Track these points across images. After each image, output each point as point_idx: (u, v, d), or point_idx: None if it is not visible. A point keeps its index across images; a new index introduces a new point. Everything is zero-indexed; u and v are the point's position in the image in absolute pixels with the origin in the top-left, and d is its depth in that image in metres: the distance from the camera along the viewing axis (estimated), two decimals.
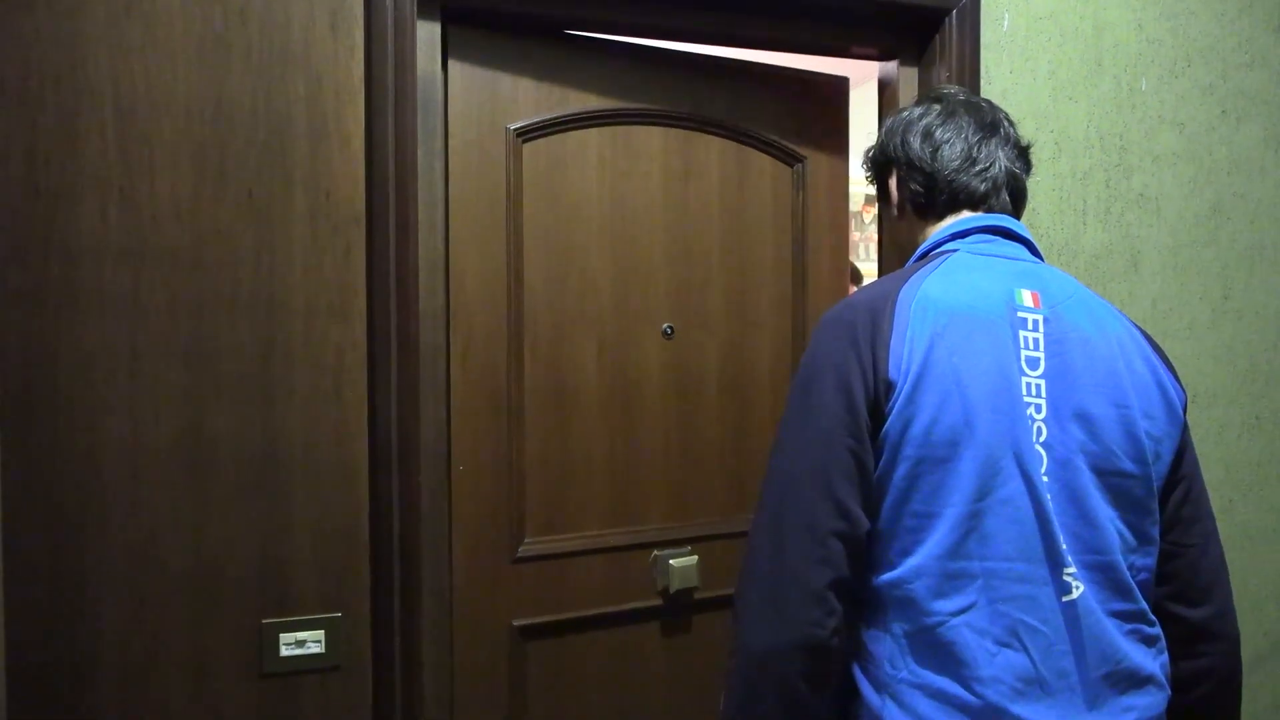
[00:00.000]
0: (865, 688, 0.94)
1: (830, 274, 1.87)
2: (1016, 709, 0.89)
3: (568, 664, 1.66)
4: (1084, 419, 0.96)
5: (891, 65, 1.73)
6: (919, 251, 1.10)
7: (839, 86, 1.87)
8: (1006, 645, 0.91)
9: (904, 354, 0.92)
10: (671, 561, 1.68)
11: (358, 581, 1.33)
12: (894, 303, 0.95)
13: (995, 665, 0.90)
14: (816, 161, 1.84)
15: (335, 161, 1.33)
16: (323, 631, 1.29)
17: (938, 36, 1.64)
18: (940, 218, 1.10)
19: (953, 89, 1.18)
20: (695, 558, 1.71)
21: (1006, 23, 1.68)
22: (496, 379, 1.59)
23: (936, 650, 0.91)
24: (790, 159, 1.82)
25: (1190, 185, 1.83)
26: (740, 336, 1.80)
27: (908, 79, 1.71)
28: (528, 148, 1.60)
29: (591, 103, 1.64)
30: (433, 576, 1.41)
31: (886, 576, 0.92)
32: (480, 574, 1.58)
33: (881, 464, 0.92)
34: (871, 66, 1.78)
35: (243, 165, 1.29)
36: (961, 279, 0.99)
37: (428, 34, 1.39)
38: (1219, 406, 1.87)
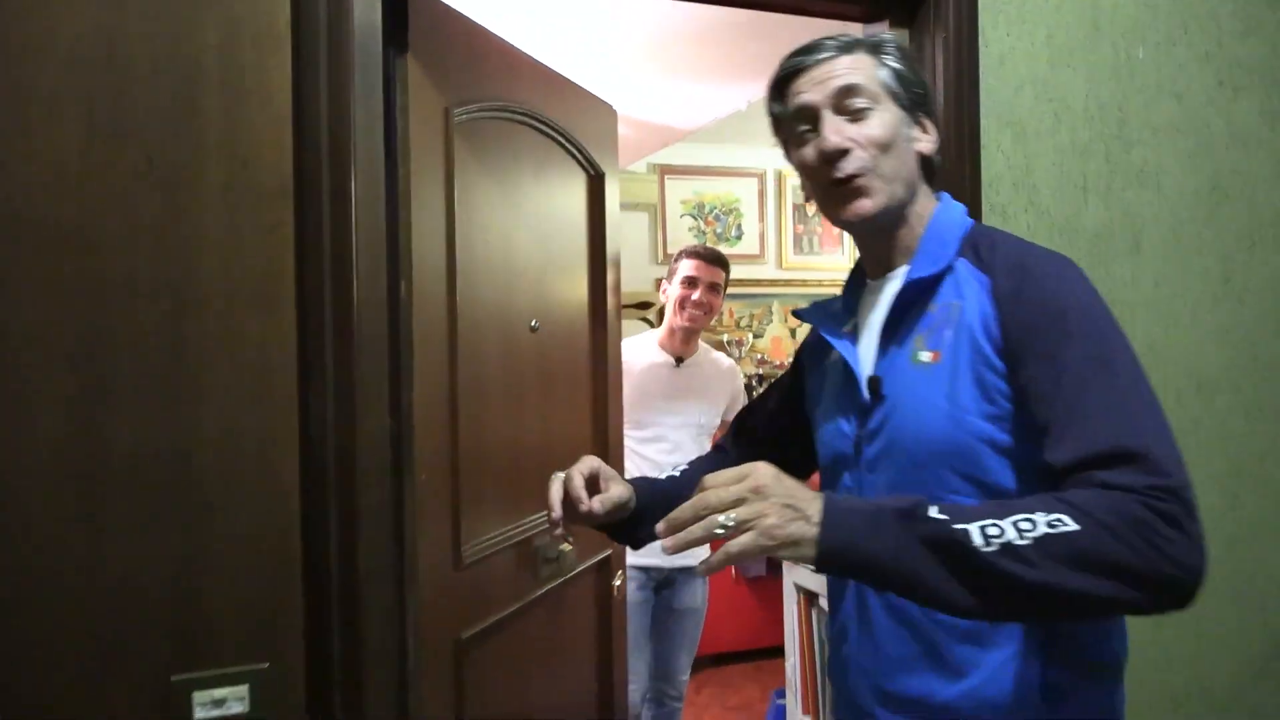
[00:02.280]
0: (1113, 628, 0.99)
1: (610, 279, 2.07)
2: None
3: (501, 664, 1.63)
4: None
5: (876, 27, 1.59)
6: (953, 219, 1.07)
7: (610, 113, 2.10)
8: None
9: None
10: (560, 547, 1.78)
11: (289, 622, 1.12)
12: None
13: None
14: (610, 176, 2.05)
15: (256, 124, 1.12)
16: (246, 687, 1.07)
17: None
18: (927, 190, 1.09)
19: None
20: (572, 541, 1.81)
21: None
22: (443, 375, 1.44)
23: None
24: (595, 170, 2.00)
25: (1189, 160, 1.72)
26: (574, 328, 1.95)
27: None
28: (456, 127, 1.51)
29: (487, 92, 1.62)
30: (380, 608, 1.20)
31: None
32: (432, 593, 1.40)
33: None
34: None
35: (142, 125, 1.07)
36: None
37: None
38: (1222, 394, 1.76)
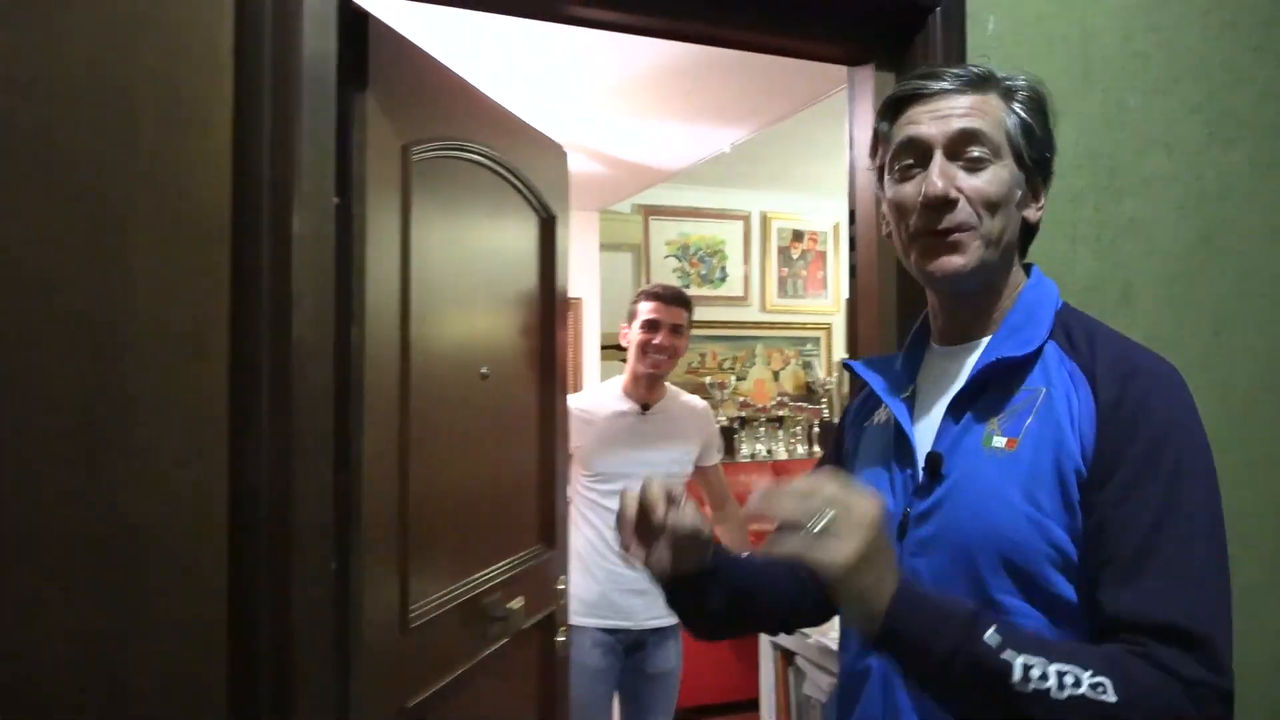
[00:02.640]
0: None
1: (559, 325, 2.02)
2: None
3: None
4: None
5: (862, 71, 1.54)
6: (1049, 293, 1.01)
7: (561, 154, 2.05)
8: None
9: None
10: (509, 605, 1.69)
11: (212, 699, 1.02)
12: None
13: None
14: (561, 219, 1.99)
15: (194, 155, 1.04)
16: None
17: (919, 38, 1.44)
18: (1020, 258, 1.03)
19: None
20: (522, 598, 1.73)
21: (991, 25, 1.50)
22: (394, 425, 1.36)
23: None
24: (548, 213, 1.94)
25: (1180, 211, 1.67)
26: (523, 376, 1.88)
27: (883, 87, 1.51)
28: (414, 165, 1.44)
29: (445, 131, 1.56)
30: (317, 681, 1.10)
31: None
32: (377, 661, 1.30)
33: None
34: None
35: (70, 154, 0.99)
36: None
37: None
38: (1216, 452, 1.69)
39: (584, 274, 4.44)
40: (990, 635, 0.75)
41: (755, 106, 2.85)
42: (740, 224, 5.40)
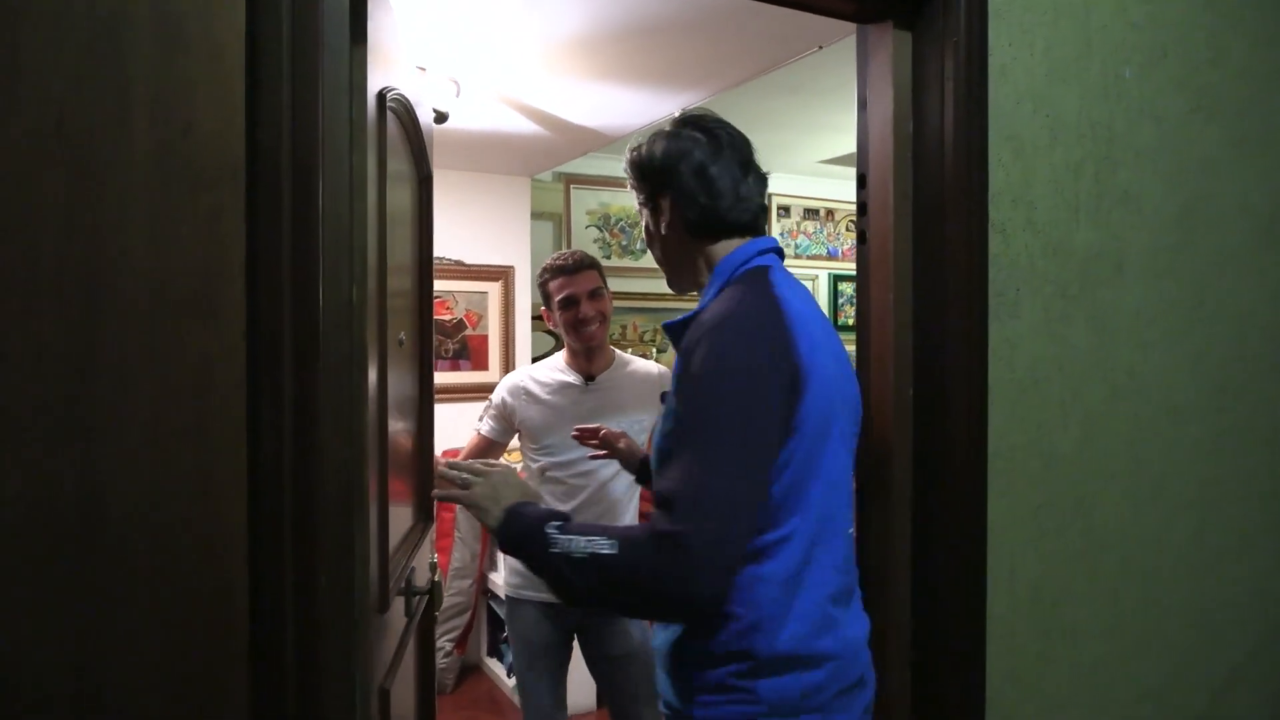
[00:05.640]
0: (738, 627, 1.14)
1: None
2: (839, 616, 1.19)
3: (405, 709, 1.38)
4: (844, 397, 1.22)
5: (879, 28, 1.48)
6: (727, 266, 1.28)
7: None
8: (844, 575, 1.22)
9: (803, 357, 1.13)
10: (435, 578, 1.71)
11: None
12: (783, 309, 1.16)
13: (836, 590, 1.19)
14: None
15: (198, 83, 0.89)
16: None
17: None
18: (716, 239, 1.29)
19: (711, 119, 1.33)
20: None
21: None
22: (374, 394, 1.24)
23: (810, 589, 1.16)
24: (426, 170, 1.81)
25: (1166, 183, 1.70)
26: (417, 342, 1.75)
27: (901, 46, 1.46)
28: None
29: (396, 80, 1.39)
30: (340, 686, 0.98)
31: (773, 535, 1.13)
32: (366, 647, 1.18)
33: (790, 445, 1.13)
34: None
35: (48, 77, 0.83)
36: (796, 292, 1.23)
37: None
38: (1193, 423, 1.74)
39: (516, 242, 4.28)
40: (550, 526, 1.11)
41: (710, 71, 2.77)
42: None
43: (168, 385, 0.87)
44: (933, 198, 1.44)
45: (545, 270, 2.38)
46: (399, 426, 1.45)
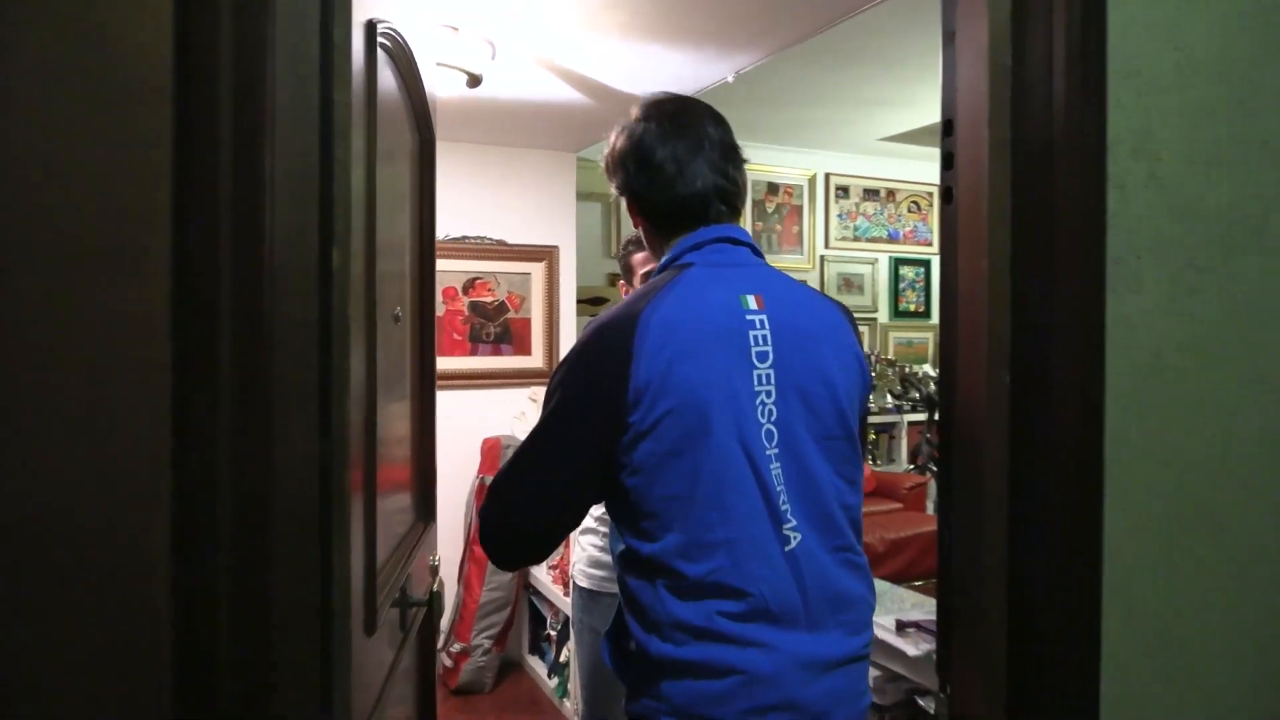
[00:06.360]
0: (635, 628, 1.21)
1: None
2: (748, 633, 1.15)
3: None
4: (803, 396, 1.21)
5: None
6: (662, 262, 1.31)
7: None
8: (745, 590, 1.16)
9: (644, 371, 1.14)
10: (434, 589, 1.55)
11: None
12: (637, 324, 1.16)
13: (735, 605, 1.16)
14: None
15: None
16: None
17: None
18: (675, 232, 1.30)
19: (670, 100, 1.33)
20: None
21: None
22: (360, 385, 1.05)
23: (692, 599, 1.16)
24: (429, 132, 1.62)
25: None
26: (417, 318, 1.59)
27: None
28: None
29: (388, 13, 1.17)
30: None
31: (651, 548, 1.17)
32: (348, 677, 0.99)
33: (635, 458, 1.17)
34: None
35: None
36: (695, 295, 1.20)
37: None
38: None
39: (560, 221, 4.09)
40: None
41: (766, 27, 2.54)
42: None
43: (70, 357, 0.68)
44: (1039, 146, 1.19)
45: (630, 242, 2.25)
46: (394, 413, 1.26)
